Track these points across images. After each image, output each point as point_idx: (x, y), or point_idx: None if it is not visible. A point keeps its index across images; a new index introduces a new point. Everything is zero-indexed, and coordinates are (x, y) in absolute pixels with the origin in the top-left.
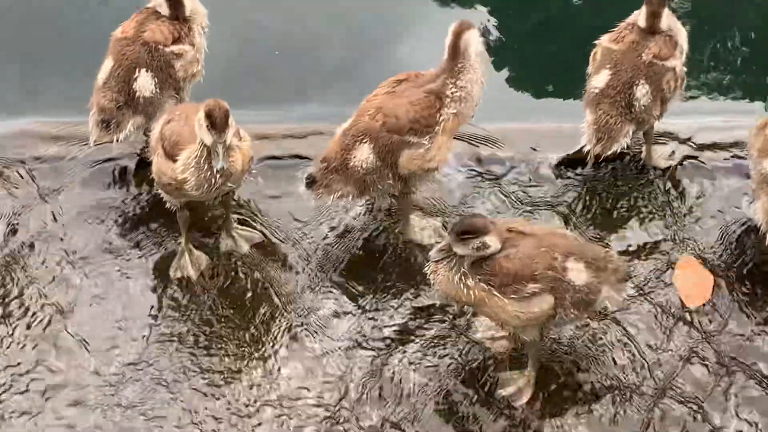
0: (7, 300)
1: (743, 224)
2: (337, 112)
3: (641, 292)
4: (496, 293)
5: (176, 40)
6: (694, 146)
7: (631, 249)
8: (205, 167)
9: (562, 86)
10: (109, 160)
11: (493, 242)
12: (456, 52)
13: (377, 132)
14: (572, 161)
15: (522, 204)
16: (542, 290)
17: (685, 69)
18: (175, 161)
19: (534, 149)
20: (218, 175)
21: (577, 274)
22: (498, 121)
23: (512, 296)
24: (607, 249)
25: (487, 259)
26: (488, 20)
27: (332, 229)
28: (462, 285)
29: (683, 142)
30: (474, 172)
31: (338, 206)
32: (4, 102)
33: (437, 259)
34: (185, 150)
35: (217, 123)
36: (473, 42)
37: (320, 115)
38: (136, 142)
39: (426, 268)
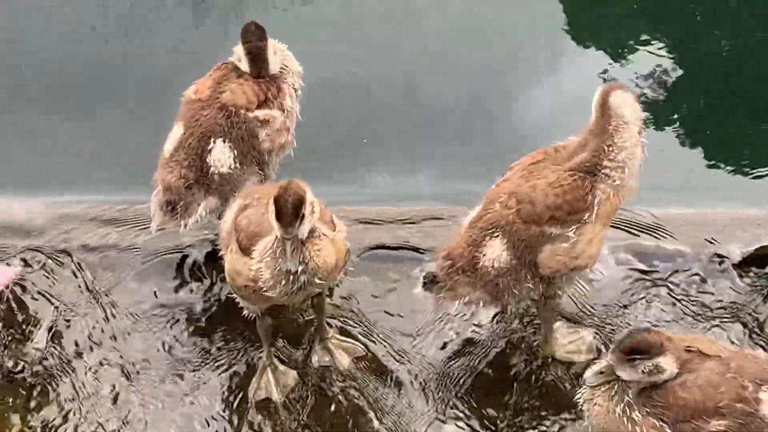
0: (48, 424)
1: None
2: (459, 190)
3: None
4: (669, 431)
5: (262, 104)
6: None
7: None
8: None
9: (749, 160)
10: (175, 250)
11: (669, 365)
12: (605, 111)
13: (511, 223)
14: (761, 258)
15: (695, 314)
16: (729, 428)
17: None
18: (251, 257)
19: (710, 241)
20: (302, 274)
21: None
22: (664, 205)
23: None
24: None
25: (658, 386)
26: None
27: (452, 341)
28: (626, 419)
29: None
30: (634, 271)
31: (460, 312)
32: (40, 175)
33: (595, 384)
34: (262, 242)
35: (282, 214)
36: (627, 103)
37: (435, 194)
38: (207, 228)
39: (577, 395)
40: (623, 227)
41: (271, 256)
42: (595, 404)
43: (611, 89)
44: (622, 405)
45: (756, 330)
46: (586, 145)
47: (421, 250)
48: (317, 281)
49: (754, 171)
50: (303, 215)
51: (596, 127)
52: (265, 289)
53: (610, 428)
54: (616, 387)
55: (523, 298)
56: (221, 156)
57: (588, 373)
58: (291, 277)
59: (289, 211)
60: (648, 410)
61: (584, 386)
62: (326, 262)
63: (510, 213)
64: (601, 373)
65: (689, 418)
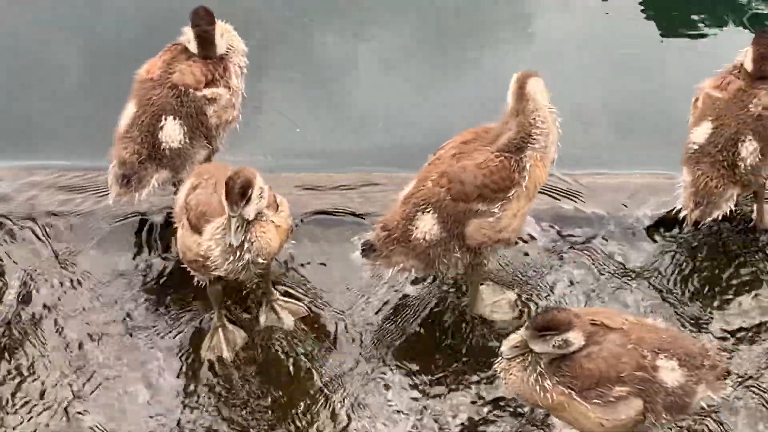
0: (18, 381)
1: None
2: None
3: (746, 382)
4: (577, 397)
5: (209, 83)
6: None
7: (737, 330)
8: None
9: (661, 129)
10: (135, 215)
11: (576, 339)
12: (523, 97)
13: (441, 200)
14: (670, 221)
15: (612, 275)
16: (630, 394)
17: None
18: (201, 235)
19: (625, 206)
20: (246, 253)
21: (670, 373)
22: (581, 170)
23: (595, 401)
24: (703, 342)
25: (566, 357)
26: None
27: (388, 301)
28: (538, 387)
29: None
30: (555, 235)
31: (395, 277)
32: (6, 140)
33: (511, 356)
34: (212, 222)
35: (230, 194)
36: (540, 88)
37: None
38: (167, 193)
39: (497, 362)
40: (546, 192)
41: (221, 236)
42: (511, 374)
43: (526, 77)
44: (535, 375)
45: (663, 289)
46: (509, 126)
47: (359, 215)
48: (260, 261)
49: (669, 137)
50: (250, 197)
51: (515, 110)
52: (212, 267)
53: (525, 395)
54: (529, 359)
55: (452, 266)
56: (172, 132)
57: (504, 347)
58: (236, 253)
59: (237, 192)
60: (558, 379)
61: (502, 357)
62: (270, 244)
63: (441, 191)
64: (516, 346)
65: (594, 386)
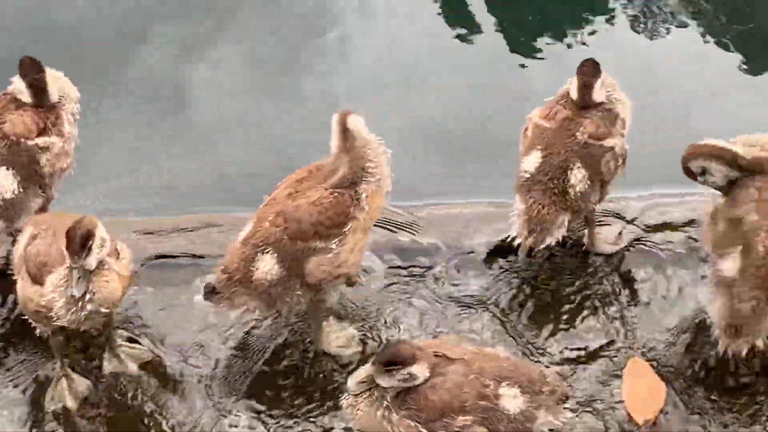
0: None
1: (700, 319)
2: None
3: (584, 405)
4: (423, 429)
5: (41, 132)
6: (643, 227)
7: (573, 353)
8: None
9: (492, 159)
10: None
11: (421, 372)
12: (346, 134)
13: (279, 240)
14: (505, 249)
15: (451, 303)
16: (474, 422)
17: (627, 146)
18: (42, 285)
19: (461, 236)
20: (89, 303)
21: (512, 401)
22: (416, 202)
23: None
24: (542, 368)
25: (411, 390)
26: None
27: (233, 341)
28: (386, 421)
29: (630, 222)
30: (395, 266)
31: (239, 317)
32: None
33: (357, 392)
34: (53, 273)
35: (71, 245)
36: (361, 123)
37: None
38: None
39: (343, 398)
40: (383, 225)
41: (63, 287)
42: (358, 409)
43: (345, 115)
44: (382, 409)
45: (501, 316)
46: (340, 162)
47: (201, 257)
48: (104, 310)
49: (500, 166)
50: (91, 247)
51: (344, 148)
52: (55, 318)
53: (373, 429)
54: (376, 393)
55: (295, 304)
56: (5, 182)
57: (350, 382)
58: (79, 304)
59: (78, 243)
60: (404, 412)
61: (348, 393)
62: (113, 293)
63: (278, 231)
64: (362, 382)
65: (439, 417)
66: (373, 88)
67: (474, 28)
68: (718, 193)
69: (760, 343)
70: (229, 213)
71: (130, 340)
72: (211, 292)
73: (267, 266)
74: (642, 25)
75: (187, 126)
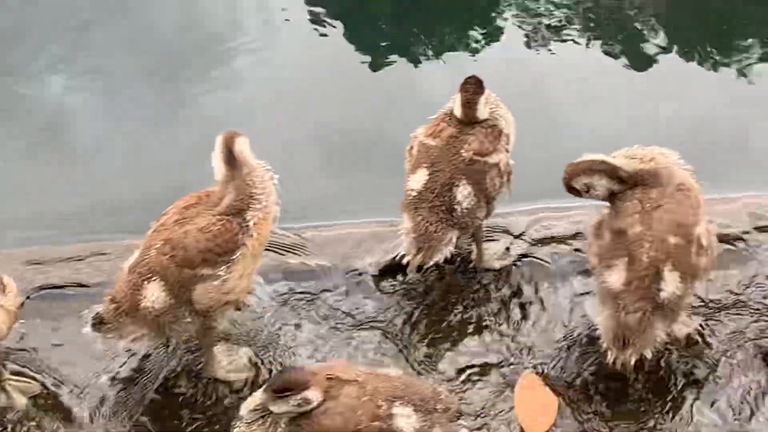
0: None
1: (588, 331)
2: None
3: (478, 421)
4: None
5: None
6: (530, 241)
7: (466, 369)
8: None
9: (382, 177)
10: None
11: (315, 397)
12: (233, 159)
13: (166, 267)
14: (395, 268)
15: (343, 324)
16: None
17: (512, 162)
18: None
19: (351, 256)
20: None
21: (406, 420)
22: (304, 224)
23: None
24: (435, 385)
25: (305, 415)
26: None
27: (123, 371)
28: None
29: (517, 237)
30: (285, 289)
31: (128, 347)
32: None
33: (250, 419)
34: None
35: None
36: (247, 147)
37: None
38: None
39: (236, 425)
40: (271, 249)
41: None
42: None
43: (231, 138)
44: None
45: (393, 335)
46: (228, 189)
47: (88, 286)
48: None
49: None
50: None
51: (230, 172)
52: None
53: None
54: (269, 420)
55: (184, 331)
56: None
57: (243, 410)
58: None
59: None
60: None
61: (241, 421)
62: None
63: (165, 258)
64: (255, 409)
65: None
66: (261, 108)
67: (362, 44)
68: (603, 204)
69: (648, 354)
70: (117, 241)
71: (18, 373)
72: (99, 323)
73: (154, 295)
74: (527, 38)
75: (70, 153)
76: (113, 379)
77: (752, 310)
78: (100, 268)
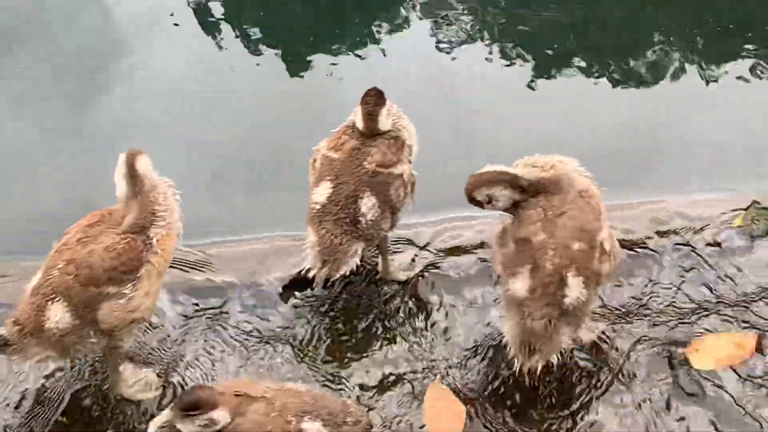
0: None
1: (495, 339)
2: None
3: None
4: None
5: None
6: (436, 252)
7: (374, 380)
8: None
9: (285, 190)
10: None
11: (222, 416)
12: (135, 177)
13: (70, 287)
14: (301, 282)
15: (250, 339)
16: None
17: (415, 173)
18: None
19: (256, 272)
20: None
21: None
22: (207, 240)
23: None
24: (344, 399)
25: None
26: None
27: (28, 393)
28: None
29: (423, 248)
30: (191, 306)
31: (34, 367)
32: None
33: None
34: None
35: None
36: (149, 165)
37: None
38: None
39: None
40: (175, 266)
41: None
42: None
43: (133, 156)
44: None
45: (300, 349)
46: (131, 207)
47: None
48: None
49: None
50: None
51: (132, 190)
52: None
53: None
54: None
55: (89, 351)
56: None
57: (150, 429)
58: None
59: None
60: None
61: None
62: None
63: (69, 278)
64: (163, 427)
65: None
66: (161, 120)
67: (268, 49)
68: (506, 214)
69: (554, 360)
70: (20, 262)
71: None
72: (3, 345)
73: (57, 315)
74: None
75: None
76: (18, 401)
77: (655, 314)
78: (3, 290)
